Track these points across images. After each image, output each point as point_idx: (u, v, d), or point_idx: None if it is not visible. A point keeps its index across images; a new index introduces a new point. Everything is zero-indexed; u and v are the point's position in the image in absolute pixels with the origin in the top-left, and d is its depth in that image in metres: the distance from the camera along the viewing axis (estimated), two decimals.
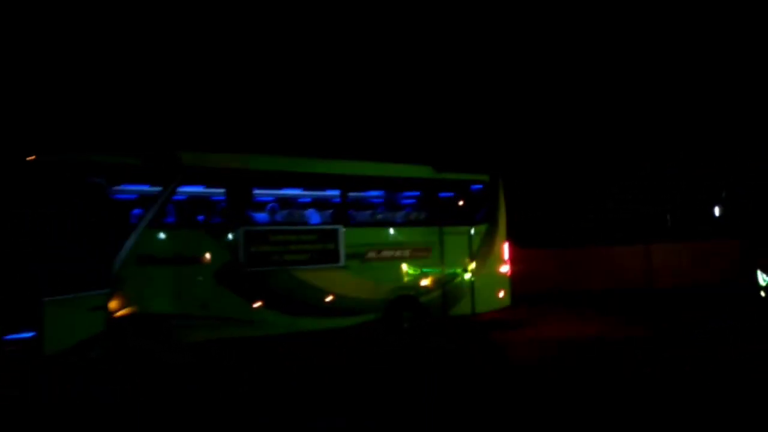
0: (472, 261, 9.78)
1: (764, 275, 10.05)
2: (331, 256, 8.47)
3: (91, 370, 6.83)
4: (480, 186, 10.26)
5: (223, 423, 5.42)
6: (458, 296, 9.67)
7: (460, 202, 10.06)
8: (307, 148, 13.13)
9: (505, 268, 10.15)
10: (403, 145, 15.05)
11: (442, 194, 10.00)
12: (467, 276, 9.69)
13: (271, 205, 8.49)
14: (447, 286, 9.54)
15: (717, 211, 10.98)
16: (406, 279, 9.20)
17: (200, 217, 8.23)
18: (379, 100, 17.75)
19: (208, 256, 7.60)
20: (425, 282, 9.33)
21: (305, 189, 8.92)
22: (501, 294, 10.04)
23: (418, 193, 9.94)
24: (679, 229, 16.08)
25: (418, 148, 14.69)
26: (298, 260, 8.22)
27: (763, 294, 10.10)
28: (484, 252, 9.98)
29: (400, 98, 17.88)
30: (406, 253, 9.24)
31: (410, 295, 9.19)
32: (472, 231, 9.91)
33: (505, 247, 10.22)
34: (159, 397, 6.31)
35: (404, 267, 9.21)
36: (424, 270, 9.36)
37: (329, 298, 8.39)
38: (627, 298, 13.72)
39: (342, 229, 8.59)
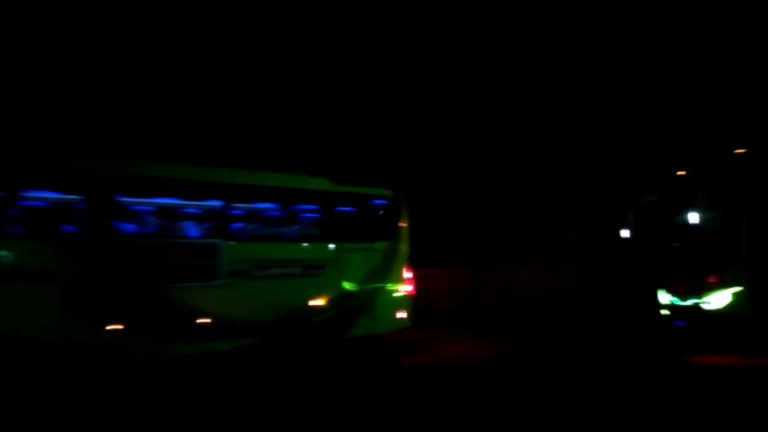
0: (371, 280, 9.22)
1: (667, 294, 10.08)
2: (208, 274, 7.62)
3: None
4: (383, 201, 9.78)
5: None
6: (356, 317, 9.02)
7: (361, 218, 9.53)
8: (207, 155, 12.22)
9: (407, 288, 9.66)
10: (306, 157, 14.39)
11: (341, 209, 9.45)
12: (366, 296, 9.12)
13: (141, 215, 7.58)
14: (344, 306, 8.88)
15: (623, 232, 11.06)
16: (296, 298, 8.47)
17: (56, 227, 7.17)
18: (284, 110, 17.04)
19: (57, 271, 6.58)
20: (318, 302, 8.65)
21: (182, 198, 8.05)
22: (402, 314, 9.50)
23: (314, 206, 9.31)
24: (583, 249, 16.36)
25: (322, 160, 14.10)
26: (168, 277, 7.32)
27: (663, 312, 10.14)
28: (385, 270, 9.43)
29: (308, 110, 17.25)
30: (298, 270, 8.54)
31: (301, 315, 8.47)
32: (373, 248, 9.37)
33: (408, 266, 9.75)
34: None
35: (296, 286, 8.50)
36: (318, 289, 8.69)
37: (204, 321, 7.51)
38: (534, 316, 13.75)
39: (223, 244, 7.79)
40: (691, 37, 17.53)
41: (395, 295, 9.48)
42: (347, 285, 8.91)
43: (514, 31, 18.24)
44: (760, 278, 8.46)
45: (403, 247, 9.75)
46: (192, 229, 7.87)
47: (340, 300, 8.82)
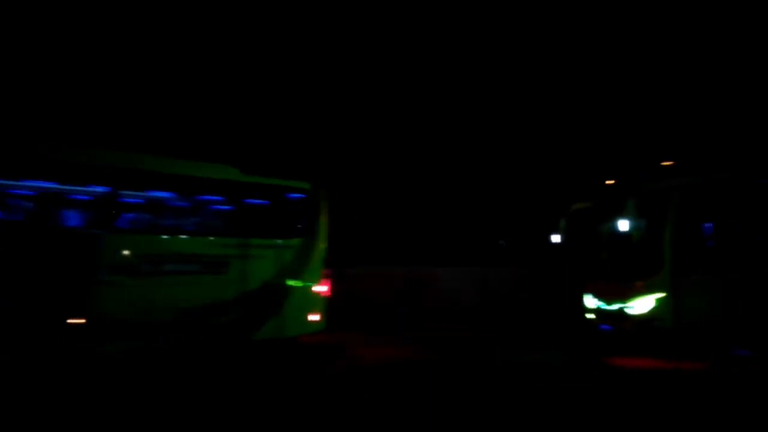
0: (282, 279, 8.56)
1: (593, 299, 10.20)
2: (86, 268, 6.76)
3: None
4: (299, 195, 9.14)
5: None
6: (264, 319, 8.34)
7: (273, 212, 8.85)
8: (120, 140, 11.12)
9: (322, 288, 9.05)
10: (212, 143, 13.39)
11: (251, 201, 8.73)
12: (276, 296, 8.45)
13: (7, 200, 6.62)
14: (249, 307, 8.18)
15: (555, 238, 11.18)
16: (194, 298, 7.69)
17: None
18: (193, 93, 15.70)
19: None
20: (220, 302, 7.91)
21: (59, 183, 7.11)
22: (315, 316, 8.89)
23: (218, 197, 8.54)
24: (514, 255, 16.26)
25: (231, 148, 13.20)
26: (38, 272, 6.41)
27: (589, 316, 10.31)
28: (298, 269, 8.79)
29: (221, 95, 16.01)
30: (197, 267, 7.77)
31: (199, 317, 7.70)
32: (285, 245, 8.71)
33: (324, 265, 9.14)
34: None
35: (194, 284, 7.73)
36: (221, 288, 7.94)
37: (79, 322, 6.65)
38: (464, 318, 13.56)
39: (105, 236, 6.94)
40: (626, 48, 17.79)
41: (309, 295, 8.84)
42: (254, 284, 8.21)
43: (446, 28, 17.92)
44: (680, 285, 8.67)
45: (321, 245, 9.13)
46: (70, 219, 6.97)
47: (246, 300, 8.11)
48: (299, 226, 8.96)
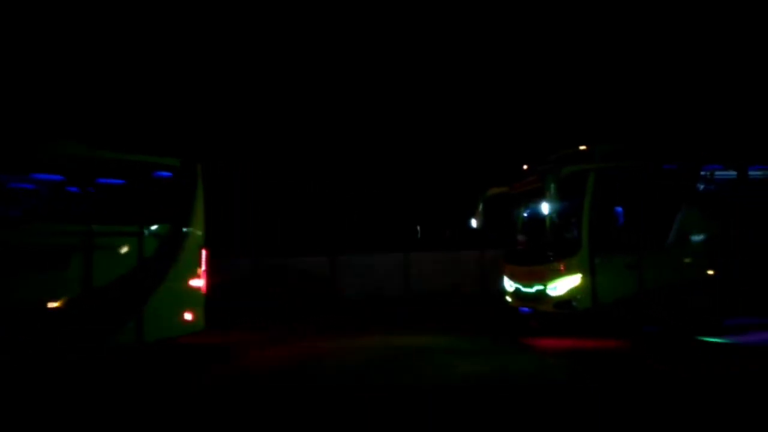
0: (144, 272, 7.20)
1: (510, 282, 10.32)
2: None
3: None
4: (167, 174, 7.78)
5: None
6: (119, 321, 6.97)
7: (132, 193, 7.45)
8: None
9: (198, 282, 7.75)
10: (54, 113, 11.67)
11: (103, 180, 7.31)
12: (135, 293, 7.09)
13: None
14: (98, 309, 6.79)
15: (474, 222, 11.06)
16: (22, 298, 6.27)
17: None
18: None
19: None
20: (56, 301, 6.49)
21: None
22: (189, 316, 7.57)
23: (57, 176, 7.02)
24: (430, 240, 15.84)
25: (77, 118, 11.52)
26: None
27: (508, 299, 10.38)
28: (165, 261, 7.45)
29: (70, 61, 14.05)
30: (22, 259, 6.31)
31: (27, 320, 6.26)
32: (148, 232, 7.35)
33: (201, 256, 7.83)
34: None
35: (21, 281, 6.28)
36: (60, 285, 6.53)
37: None
38: (390, 309, 13.00)
39: None
40: (541, 35, 17.66)
41: (180, 292, 7.53)
42: (105, 280, 6.83)
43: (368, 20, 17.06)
44: (597, 266, 8.81)
45: (196, 232, 7.81)
46: None
47: (93, 301, 6.72)
48: (166, 210, 7.59)
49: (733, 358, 7.27)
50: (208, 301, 7.80)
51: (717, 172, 9.61)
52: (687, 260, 9.01)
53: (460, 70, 18.11)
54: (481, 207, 10.85)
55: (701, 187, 9.51)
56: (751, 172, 9.68)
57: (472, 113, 17.94)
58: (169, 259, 7.43)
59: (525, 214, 10.49)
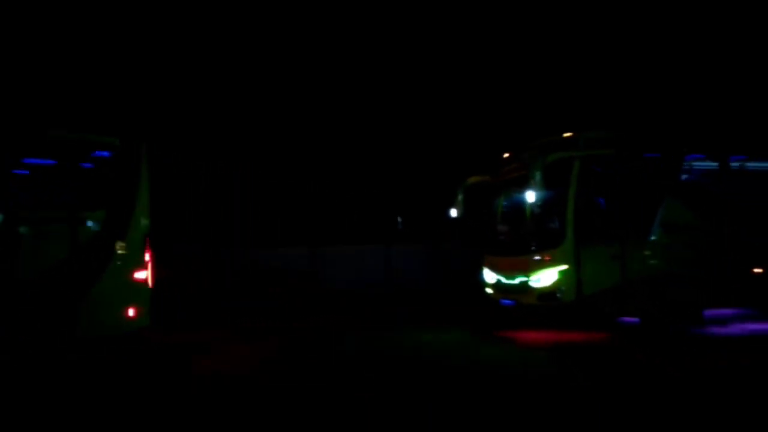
0: (76, 263, 6.43)
1: (491, 273, 9.86)
2: None
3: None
4: (105, 153, 7.00)
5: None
6: (44, 319, 6.21)
7: (62, 175, 6.66)
8: None
9: (141, 275, 6.98)
10: None
11: (29, 161, 6.53)
12: (65, 286, 6.33)
13: None
14: (23, 304, 6.04)
15: (453, 213, 10.64)
16: None
17: None
18: None
19: None
20: None
21: None
22: (132, 311, 6.82)
23: None
24: (412, 232, 15.59)
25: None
26: None
27: (488, 291, 9.98)
28: (103, 251, 6.70)
29: None
30: None
31: None
32: (82, 219, 6.58)
33: (146, 246, 7.03)
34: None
35: None
36: None
37: None
38: (369, 301, 12.67)
39: None
40: (520, 25, 17.21)
41: (121, 285, 6.76)
42: (27, 272, 6.06)
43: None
44: (582, 256, 8.42)
45: (140, 220, 7.03)
46: None
47: (15, 295, 5.96)
48: (105, 194, 6.81)
49: (720, 352, 7.03)
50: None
51: (701, 163, 9.41)
52: (669, 251, 8.76)
53: (439, 59, 17.65)
54: (461, 196, 10.42)
55: (684, 177, 9.32)
56: (734, 163, 9.57)
57: (450, 102, 17.61)
58: (108, 249, 6.67)
59: (507, 203, 10.13)
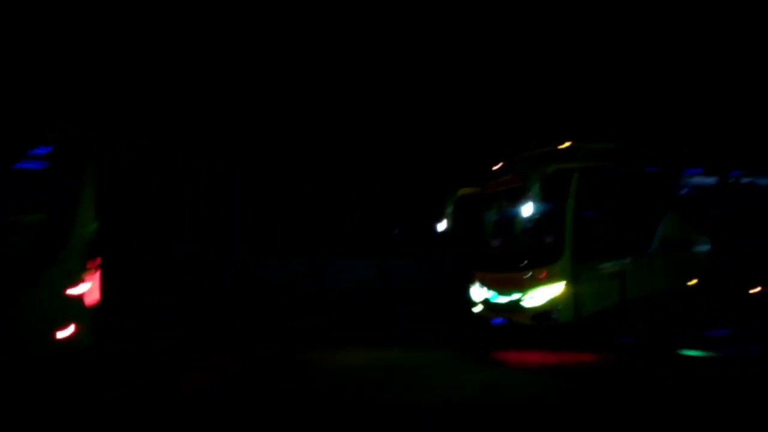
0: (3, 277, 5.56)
1: (481, 290, 9.21)
2: None
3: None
4: (44, 150, 6.15)
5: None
6: None
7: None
8: None
9: (81, 290, 6.08)
10: None
11: None
12: None
13: None
14: None
15: (441, 226, 10.06)
16: None
17: None
18: None
19: None
20: None
21: None
22: (69, 330, 5.87)
23: None
24: (411, 243, 15.42)
25: None
26: None
27: (478, 309, 9.38)
28: (37, 261, 5.80)
29: None
30: None
31: None
32: (11, 225, 5.74)
33: (89, 257, 6.09)
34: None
35: None
36: None
37: None
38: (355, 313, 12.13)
39: None
40: (513, 34, 16.96)
41: (56, 301, 5.85)
42: None
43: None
44: (580, 274, 7.98)
45: (82, 227, 6.12)
46: None
47: None
48: (41, 197, 5.94)
49: (727, 370, 6.57)
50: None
51: (702, 178, 9.14)
52: (669, 269, 8.45)
53: (432, 68, 17.40)
54: (450, 209, 9.89)
55: (684, 192, 9.01)
56: (739, 179, 9.38)
57: (439, 115, 17.34)
58: (44, 258, 5.79)
59: (499, 216, 9.53)
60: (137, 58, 14.51)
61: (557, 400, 5.54)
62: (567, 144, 8.64)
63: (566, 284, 7.91)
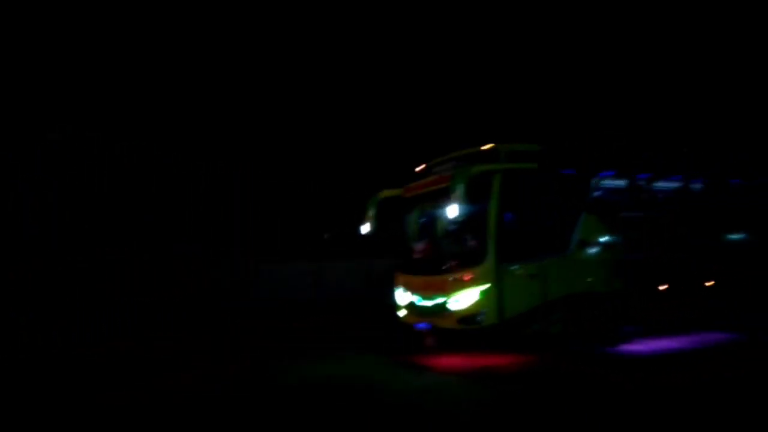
0: None
1: (404, 294, 9.10)
2: None
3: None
4: None
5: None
6: None
7: None
8: None
9: None
10: None
11: None
12: None
13: None
14: None
15: (364, 229, 9.85)
16: None
17: None
18: None
19: None
20: None
21: None
22: None
23: None
24: (343, 247, 15.25)
25: None
26: None
27: (401, 313, 9.25)
28: None
29: None
30: None
31: None
32: None
33: None
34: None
35: None
36: None
37: None
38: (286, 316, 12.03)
39: None
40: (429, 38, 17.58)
41: None
42: None
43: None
44: (504, 275, 8.02)
45: None
46: None
47: None
48: None
49: (648, 371, 6.85)
50: None
51: (613, 181, 9.37)
52: (587, 268, 8.60)
53: (355, 72, 17.44)
54: (372, 211, 9.74)
55: (599, 194, 9.23)
56: (649, 181, 9.75)
57: (360, 119, 17.38)
58: None
59: (422, 219, 9.45)
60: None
61: (504, 405, 5.55)
62: (489, 146, 8.69)
63: (491, 286, 7.91)
